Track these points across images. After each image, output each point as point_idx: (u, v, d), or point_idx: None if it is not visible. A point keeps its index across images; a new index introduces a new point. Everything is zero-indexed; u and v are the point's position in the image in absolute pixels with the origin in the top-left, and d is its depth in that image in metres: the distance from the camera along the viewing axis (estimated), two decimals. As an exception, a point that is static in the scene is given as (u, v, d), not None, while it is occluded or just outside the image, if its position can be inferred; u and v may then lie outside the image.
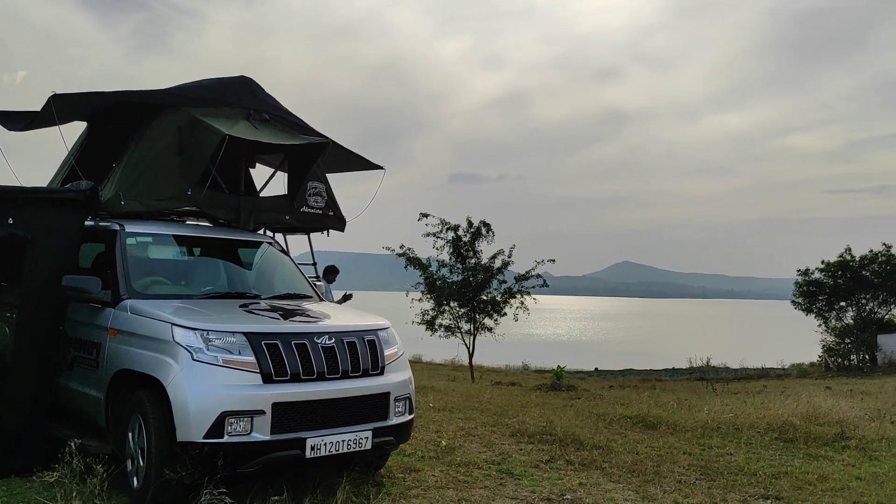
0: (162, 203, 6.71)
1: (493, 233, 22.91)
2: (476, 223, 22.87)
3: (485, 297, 22.69)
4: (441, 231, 22.69)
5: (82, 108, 7.03)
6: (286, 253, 7.41)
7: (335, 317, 6.05)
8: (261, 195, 7.84)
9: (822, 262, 33.71)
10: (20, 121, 7.17)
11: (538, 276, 22.94)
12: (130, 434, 5.26)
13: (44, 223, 5.80)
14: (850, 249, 33.22)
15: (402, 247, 22.92)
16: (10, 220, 5.67)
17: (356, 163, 8.60)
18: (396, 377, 5.76)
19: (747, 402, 11.32)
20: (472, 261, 22.90)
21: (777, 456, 7.45)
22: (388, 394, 5.62)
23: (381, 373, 5.64)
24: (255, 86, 7.54)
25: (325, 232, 8.19)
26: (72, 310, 5.97)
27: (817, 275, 33.78)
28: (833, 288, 32.86)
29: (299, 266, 7.35)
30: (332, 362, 5.33)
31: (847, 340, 32.18)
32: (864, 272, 32.30)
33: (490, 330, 22.64)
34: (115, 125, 7.46)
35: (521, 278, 23.01)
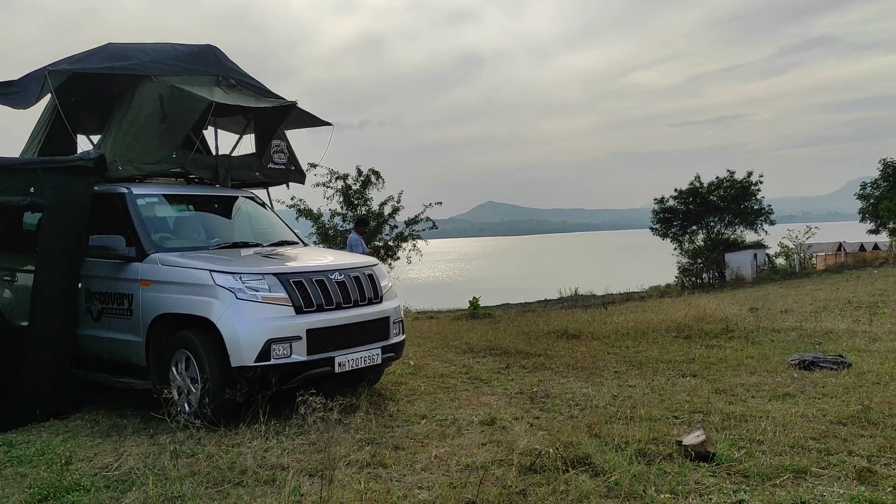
0: (152, 166, 7.33)
1: (382, 180, 23.80)
2: (366, 171, 23.60)
3: (378, 244, 23.45)
4: (330, 180, 23.25)
5: (71, 81, 7.39)
6: (265, 206, 8.20)
7: (334, 257, 7.03)
8: (233, 155, 8.50)
9: (676, 189, 37.18)
10: (21, 97, 7.45)
11: (427, 219, 23.95)
12: (174, 368, 6.07)
13: (59, 190, 6.35)
14: (699, 177, 36.77)
15: (293, 198, 23.13)
16: (32, 190, 6.19)
17: (306, 120, 9.36)
18: (392, 304, 6.85)
19: (641, 314, 13.17)
20: (363, 208, 23.72)
21: (682, 348, 9.15)
22: (388, 318, 6.71)
23: (381, 301, 6.71)
24: (220, 54, 8.15)
25: (287, 185, 8.99)
26: (90, 267, 6.59)
27: (672, 202, 37.27)
28: (685, 213, 36.09)
29: (281, 217, 8.17)
30: (344, 294, 6.34)
31: (699, 261, 35.55)
32: (711, 197, 35.66)
33: None
34: (86, 95, 7.88)
35: (411, 222, 23.90)
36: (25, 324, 7.05)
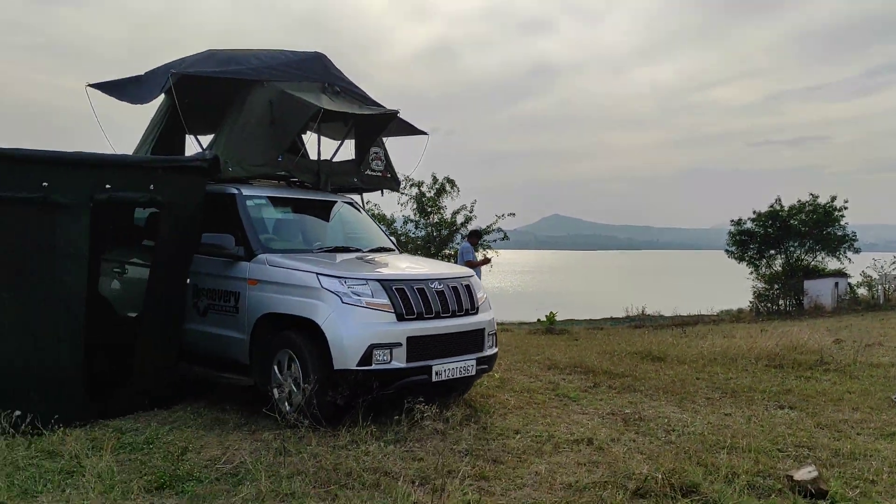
0: (259, 169, 7.54)
1: (457, 188, 23.62)
2: (441, 179, 23.59)
3: (449, 252, 23.55)
4: (405, 187, 22.83)
5: (190, 84, 7.63)
6: (362, 211, 8.34)
7: (431, 266, 7.10)
8: (333, 160, 8.66)
9: (754, 212, 35.82)
10: (140, 93, 7.76)
11: (499, 230, 23.54)
12: (276, 367, 6.22)
13: (176, 188, 6.58)
14: (779, 200, 35.31)
15: (367, 203, 23.30)
16: (152, 187, 6.43)
17: (403, 128, 9.44)
18: (486, 316, 6.87)
19: (726, 340, 12.80)
20: (436, 216, 23.79)
21: (775, 378, 8.87)
22: (483, 329, 6.73)
23: (477, 312, 6.74)
24: (327, 61, 8.34)
25: (381, 192, 9.11)
26: (199, 264, 6.81)
27: (749, 224, 36.03)
28: (764, 237, 34.27)
29: (377, 223, 8.29)
30: (443, 303, 6.40)
31: (776, 286, 33.72)
32: (792, 221, 34.46)
33: None
34: (196, 97, 8.14)
35: (483, 232, 23.25)
36: (133, 314, 7.36)
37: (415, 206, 23.72)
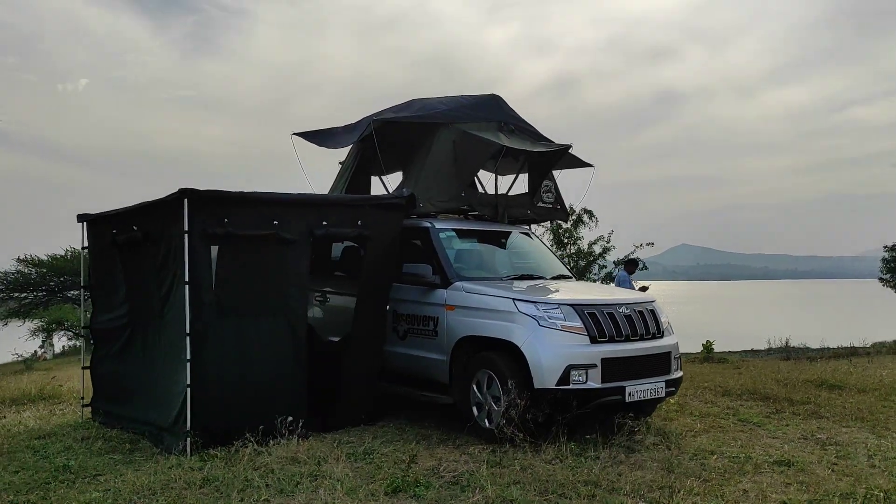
0: (445, 204, 8.14)
1: (596, 219, 23.62)
2: (578, 210, 23.43)
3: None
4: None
5: (386, 130, 8.36)
6: (535, 239, 8.76)
7: (615, 292, 7.40)
8: (508, 194, 9.15)
9: None
10: (337, 140, 8.64)
11: (638, 259, 22.92)
12: (475, 386, 6.67)
13: (378, 223, 7.25)
14: None
15: None
16: (359, 223, 7.13)
17: (569, 161, 9.80)
18: (671, 340, 7.06)
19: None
20: (572, 247, 23.91)
21: (974, 407, 8.43)
22: (669, 353, 6.92)
23: (662, 336, 6.94)
24: (502, 102, 8.89)
25: (551, 222, 9.50)
26: (398, 291, 7.42)
27: None
28: None
29: (553, 251, 8.69)
30: (632, 327, 6.66)
31: None
32: None
33: None
34: (386, 141, 8.84)
35: (621, 262, 23.12)
36: (334, 339, 8.08)
37: (551, 238, 23.94)
